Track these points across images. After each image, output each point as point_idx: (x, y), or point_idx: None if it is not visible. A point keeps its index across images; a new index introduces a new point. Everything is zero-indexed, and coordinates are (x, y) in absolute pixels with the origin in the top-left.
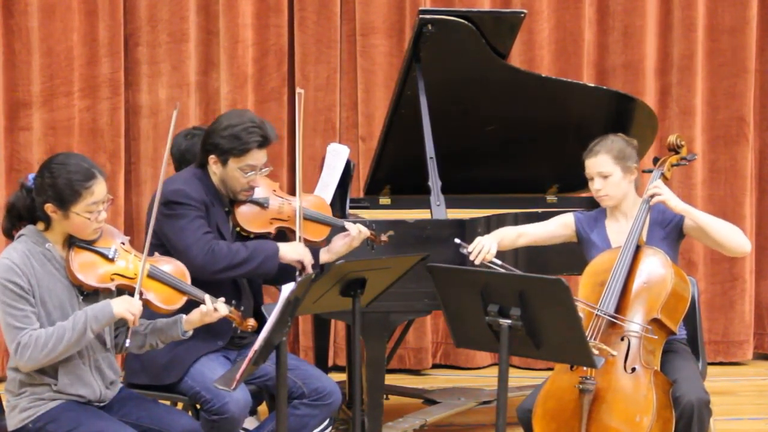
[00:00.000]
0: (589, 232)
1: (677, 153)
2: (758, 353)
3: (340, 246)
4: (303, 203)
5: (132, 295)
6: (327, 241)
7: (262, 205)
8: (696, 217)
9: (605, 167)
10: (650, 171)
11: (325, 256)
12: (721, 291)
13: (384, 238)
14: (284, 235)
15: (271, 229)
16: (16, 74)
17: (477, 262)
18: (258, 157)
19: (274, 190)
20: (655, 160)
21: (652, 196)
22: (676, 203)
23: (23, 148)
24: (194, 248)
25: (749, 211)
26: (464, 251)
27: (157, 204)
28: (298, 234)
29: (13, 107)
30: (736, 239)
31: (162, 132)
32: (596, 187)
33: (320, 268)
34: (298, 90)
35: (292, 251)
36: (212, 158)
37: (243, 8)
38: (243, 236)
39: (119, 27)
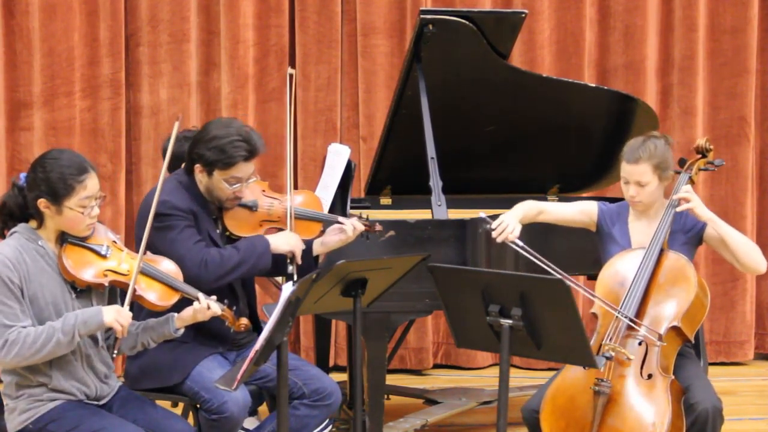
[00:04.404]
0: (611, 227)
1: (704, 156)
2: (759, 353)
3: (334, 242)
4: (293, 201)
5: (125, 292)
6: (321, 232)
7: (250, 208)
8: (720, 227)
9: (644, 177)
10: (677, 172)
11: (319, 248)
12: (722, 291)
13: (378, 226)
14: None
15: (261, 232)
16: (17, 74)
17: (499, 241)
18: (244, 169)
19: (264, 190)
20: (682, 162)
21: (679, 202)
22: (702, 211)
23: (24, 148)
24: (187, 259)
25: (750, 211)
26: (487, 227)
27: (151, 218)
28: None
29: (14, 107)
30: (753, 256)
31: (163, 132)
32: (631, 193)
33: (315, 259)
34: (289, 70)
35: (283, 243)
36: (198, 167)
37: (244, 8)
38: (233, 239)
39: (120, 27)
